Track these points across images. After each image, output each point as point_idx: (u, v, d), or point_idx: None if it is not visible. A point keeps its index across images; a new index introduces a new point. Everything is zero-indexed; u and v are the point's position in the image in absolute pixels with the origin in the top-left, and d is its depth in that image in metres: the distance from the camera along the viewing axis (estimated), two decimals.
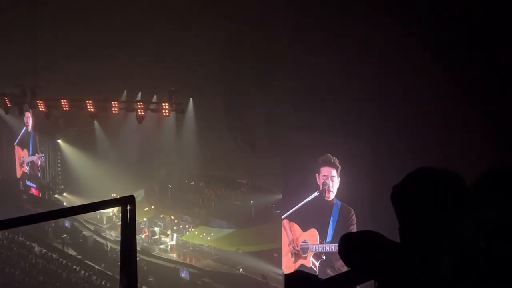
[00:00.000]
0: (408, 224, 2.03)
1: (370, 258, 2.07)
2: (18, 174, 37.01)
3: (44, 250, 28.05)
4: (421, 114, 16.87)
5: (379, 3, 17.86)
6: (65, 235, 28.57)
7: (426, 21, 16.28)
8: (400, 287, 1.99)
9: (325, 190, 20.67)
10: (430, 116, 16.73)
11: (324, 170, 20.59)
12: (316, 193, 20.92)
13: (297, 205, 21.76)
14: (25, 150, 36.25)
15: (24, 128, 35.81)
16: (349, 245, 2.16)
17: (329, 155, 20.32)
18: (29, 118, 34.81)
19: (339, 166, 20.17)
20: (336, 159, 20.20)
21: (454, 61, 15.60)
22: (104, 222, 29.56)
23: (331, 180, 20.44)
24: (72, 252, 27.95)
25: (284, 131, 22.33)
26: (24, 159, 36.47)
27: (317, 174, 20.79)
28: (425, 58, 16.21)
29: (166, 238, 27.29)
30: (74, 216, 27.21)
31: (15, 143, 36.80)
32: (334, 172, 20.37)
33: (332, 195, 20.53)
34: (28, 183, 36.10)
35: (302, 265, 21.58)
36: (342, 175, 20.20)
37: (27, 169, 36.37)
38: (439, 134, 16.34)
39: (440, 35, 16.05)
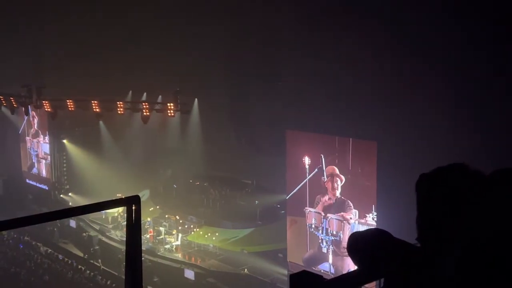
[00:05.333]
0: (427, 214, 2.01)
1: (378, 257, 2.06)
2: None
3: (50, 250, 28.13)
4: (429, 115, 16.85)
5: (381, 3, 17.83)
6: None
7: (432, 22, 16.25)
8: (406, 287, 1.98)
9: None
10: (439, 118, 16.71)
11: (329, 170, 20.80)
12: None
13: (302, 205, 21.77)
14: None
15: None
16: (358, 243, 2.16)
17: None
18: (34, 120, 34.72)
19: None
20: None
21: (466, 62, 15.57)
22: (109, 222, 29.60)
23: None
24: (77, 252, 28.01)
25: (288, 131, 22.31)
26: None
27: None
28: (431, 59, 16.18)
29: (171, 238, 27.31)
30: (79, 216, 27.30)
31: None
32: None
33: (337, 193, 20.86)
34: (32, 183, 36.09)
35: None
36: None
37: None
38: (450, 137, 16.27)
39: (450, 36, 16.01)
